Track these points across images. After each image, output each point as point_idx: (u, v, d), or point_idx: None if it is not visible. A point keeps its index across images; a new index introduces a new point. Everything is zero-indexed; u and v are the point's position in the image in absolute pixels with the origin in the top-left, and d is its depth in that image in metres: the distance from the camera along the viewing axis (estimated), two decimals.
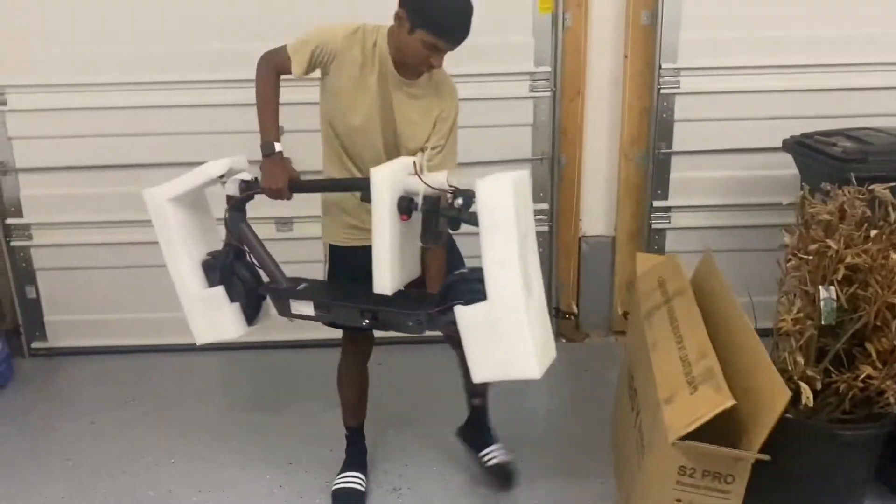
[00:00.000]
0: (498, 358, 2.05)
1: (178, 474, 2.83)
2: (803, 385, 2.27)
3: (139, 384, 3.58)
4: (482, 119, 3.54)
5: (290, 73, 2.29)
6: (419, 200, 2.14)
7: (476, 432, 2.79)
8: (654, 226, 3.72)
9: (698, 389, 1.89)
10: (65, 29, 3.49)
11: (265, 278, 2.47)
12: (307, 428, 3.07)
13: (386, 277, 2.15)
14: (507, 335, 2.01)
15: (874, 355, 2.25)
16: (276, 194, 2.31)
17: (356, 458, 2.74)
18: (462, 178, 2.18)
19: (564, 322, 3.91)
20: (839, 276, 2.26)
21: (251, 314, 2.50)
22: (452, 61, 3.43)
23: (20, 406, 3.45)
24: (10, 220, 3.73)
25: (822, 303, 2.26)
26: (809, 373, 2.29)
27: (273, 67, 2.31)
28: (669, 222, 3.72)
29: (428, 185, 2.13)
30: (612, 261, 3.84)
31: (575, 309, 3.90)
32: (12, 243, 3.76)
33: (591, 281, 3.87)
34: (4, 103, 3.57)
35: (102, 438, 3.13)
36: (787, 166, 3.21)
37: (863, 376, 2.25)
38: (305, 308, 2.37)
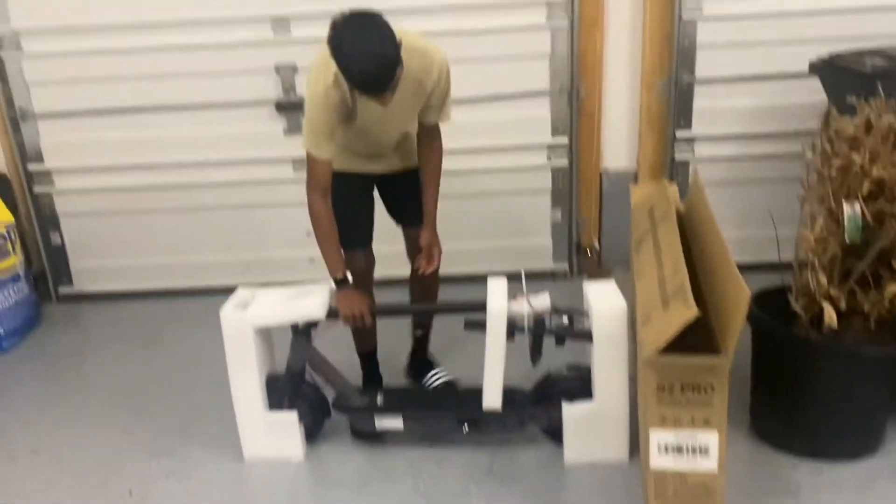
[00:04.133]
0: (594, 444, 2.41)
1: (201, 404, 2.88)
2: (826, 305, 2.22)
3: (162, 326, 3.63)
4: (498, 50, 3.48)
5: (329, 167, 2.35)
6: (525, 323, 2.32)
7: (418, 361, 2.93)
8: (677, 157, 3.63)
9: (670, 306, 1.85)
10: None
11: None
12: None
13: (497, 395, 2.39)
14: (608, 427, 2.38)
15: None
16: (359, 321, 2.42)
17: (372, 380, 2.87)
18: None
19: (586, 258, 3.87)
20: (864, 192, 2.18)
21: (314, 432, 2.62)
22: None
23: (49, 347, 3.53)
24: (31, 167, 3.75)
25: (846, 219, 2.19)
26: (833, 293, 2.24)
27: (320, 191, 2.36)
28: (693, 153, 3.63)
29: (533, 307, 2.33)
30: None
31: (597, 245, 3.85)
32: (35, 190, 3.79)
33: (614, 216, 3.80)
34: (20, 48, 3.57)
35: (126, 376, 3.19)
36: (814, 92, 3.09)
37: (890, 296, 2.20)
38: (393, 422, 2.48)
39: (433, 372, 2.86)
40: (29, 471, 2.60)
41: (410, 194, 2.63)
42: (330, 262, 2.41)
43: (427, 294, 2.77)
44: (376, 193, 2.71)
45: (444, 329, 3.18)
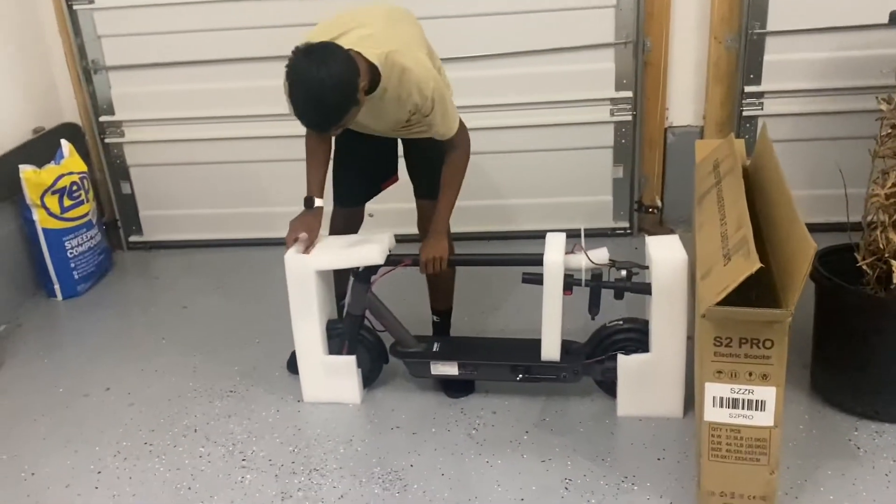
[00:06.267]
0: (648, 398, 2.41)
1: (263, 353, 2.96)
2: (895, 263, 2.15)
3: (228, 275, 3.73)
4: (561, 1, 3.41)
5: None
6: (582, 276, 2.33)
7: None
8: (745, 113, 3.53)
9: (731, 260, 1.82)
10: None
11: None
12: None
13: (556, 347, 2.42)
14: (663, 382, 2.38)
15: None
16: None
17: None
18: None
19: (648, 216, 3.81)
20: None
21: (372, 378, 2.70)
22: None
23: (119, 293, 3.67)
24: (103, 118, 3.87)
25: None
26: None
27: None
28: (762, 109, 3.52)
29: (592, 261, 2.32)
30: None
31: (659, 203, 3.79)
32: (106, 140, 3.91)
33: (677, 174, 3.73)
34: (92, 1, 3.66)
35: (193, 321, 3.31)
36: (893, 44, 2.96)
37: None
38: (448, 368, 2.53)
39: None
40: (100, 406, 2.73)
41: (417, 158, 2.60)
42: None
43: (438, 285, 2.73)
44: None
45: (503, 283, 3.21)
